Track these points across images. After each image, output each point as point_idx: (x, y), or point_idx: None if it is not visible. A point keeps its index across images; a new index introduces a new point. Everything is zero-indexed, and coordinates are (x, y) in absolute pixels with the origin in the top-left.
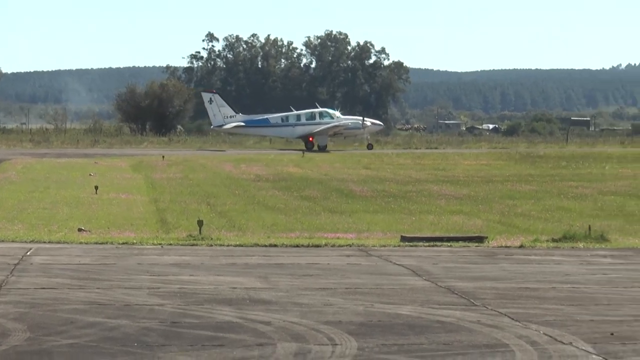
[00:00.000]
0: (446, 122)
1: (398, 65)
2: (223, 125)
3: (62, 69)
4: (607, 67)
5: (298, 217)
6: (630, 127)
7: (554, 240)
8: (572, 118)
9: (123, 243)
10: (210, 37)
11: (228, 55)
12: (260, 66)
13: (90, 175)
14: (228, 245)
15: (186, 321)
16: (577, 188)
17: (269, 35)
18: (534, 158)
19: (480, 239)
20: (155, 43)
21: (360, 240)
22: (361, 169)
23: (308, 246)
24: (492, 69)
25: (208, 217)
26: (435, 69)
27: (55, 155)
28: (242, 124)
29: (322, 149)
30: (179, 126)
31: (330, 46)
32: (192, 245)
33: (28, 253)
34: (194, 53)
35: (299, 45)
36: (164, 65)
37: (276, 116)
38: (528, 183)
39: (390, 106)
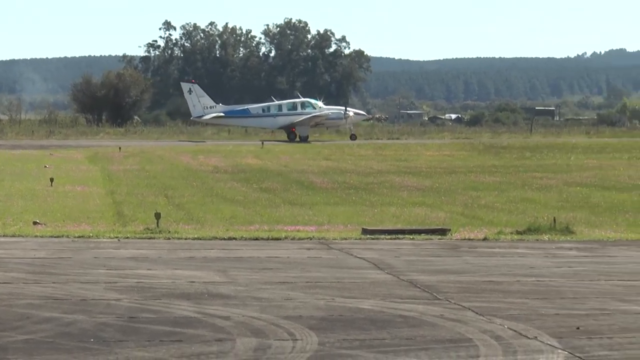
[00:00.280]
0: (408, 112)
1: (359, 54)
2: (203, 116)
3: (16, 58)
4: (572, 56)
5: (257, 210)
6: (595, 117)
7: (518, 233)
8: (536, 108)
9: (79, 236)
10: (168, 25)
11: (186, 44)
12: (218, 55)
13: (45, 167)
14: (186, 239)
15: (144, 316)
16: (541, 179)
17: (227, 24)
18: (498, 149)
19: (443, 232)
20: (112, 32)
21: (321, 233)
22: (322, 160)
23: (268, 239)
24: (455, 57)
25: (166, 210)
26: (397, 58)
27: (10, 147)
28: (222, 114)
29: (304, 139)
30: (135, 117)
31: (289, 35)
32: (150, 238)
33: None
34: (151, 42)
35: (257, 33)
36: (121, 54)
37: (257, 106)
38: (492, 174)
39: (351, 96)
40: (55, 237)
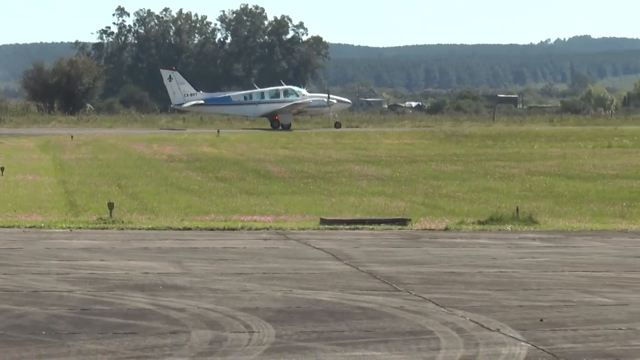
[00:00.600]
0: (367, 99)
1: (317, 40)
2: (183, 103)
3: None
4: (535, 42)
5: (213, 199)
6: (559, 105)
7: (480, 223)
8: (499, 95)
9: (30, 227)
10: (121, 11)
11: (139, 31)
12: (173, 42)
13: None
14: (140, 229)
15: (96, 308)
16: (504, 168)
17: (181, 10)
18: (459, 137)
19: (403, 222)
20: (64, 18)
21: (278, 223)
22: (279, 149)
23: (223, 229)
24: (415, 44)
25: (119, 200)
26: (355, 45)
27: None
28: (202, 102)
29: (286, 127)
30: (88, 105)
31: (246, 21)
32: (103, 228)
33: None
34: (104, 28)
35: (213, 19)
36: (73, 41)
37: (238, 94)
38: (453, 163)
39: (309, 83)
40: (5, 227)
